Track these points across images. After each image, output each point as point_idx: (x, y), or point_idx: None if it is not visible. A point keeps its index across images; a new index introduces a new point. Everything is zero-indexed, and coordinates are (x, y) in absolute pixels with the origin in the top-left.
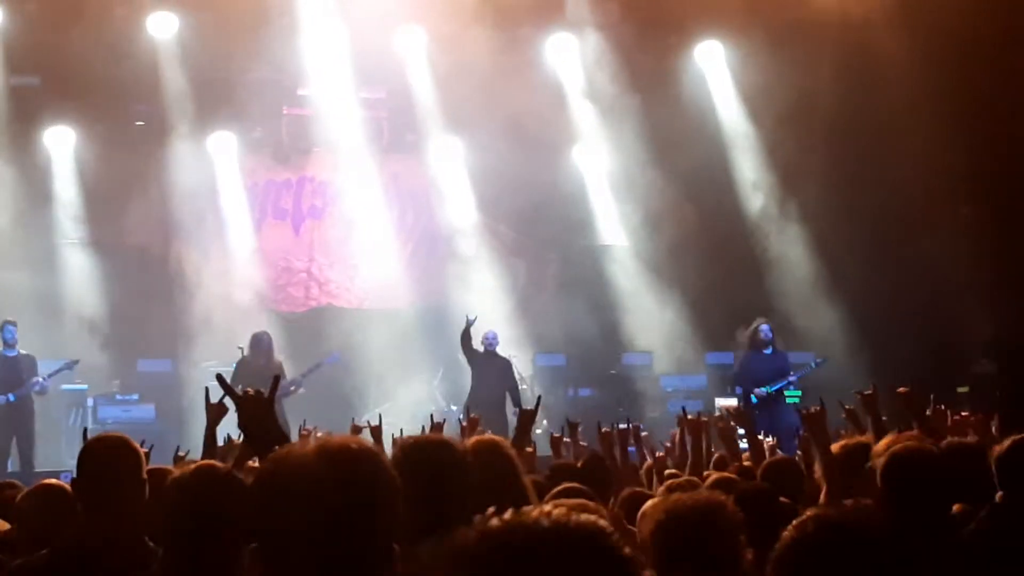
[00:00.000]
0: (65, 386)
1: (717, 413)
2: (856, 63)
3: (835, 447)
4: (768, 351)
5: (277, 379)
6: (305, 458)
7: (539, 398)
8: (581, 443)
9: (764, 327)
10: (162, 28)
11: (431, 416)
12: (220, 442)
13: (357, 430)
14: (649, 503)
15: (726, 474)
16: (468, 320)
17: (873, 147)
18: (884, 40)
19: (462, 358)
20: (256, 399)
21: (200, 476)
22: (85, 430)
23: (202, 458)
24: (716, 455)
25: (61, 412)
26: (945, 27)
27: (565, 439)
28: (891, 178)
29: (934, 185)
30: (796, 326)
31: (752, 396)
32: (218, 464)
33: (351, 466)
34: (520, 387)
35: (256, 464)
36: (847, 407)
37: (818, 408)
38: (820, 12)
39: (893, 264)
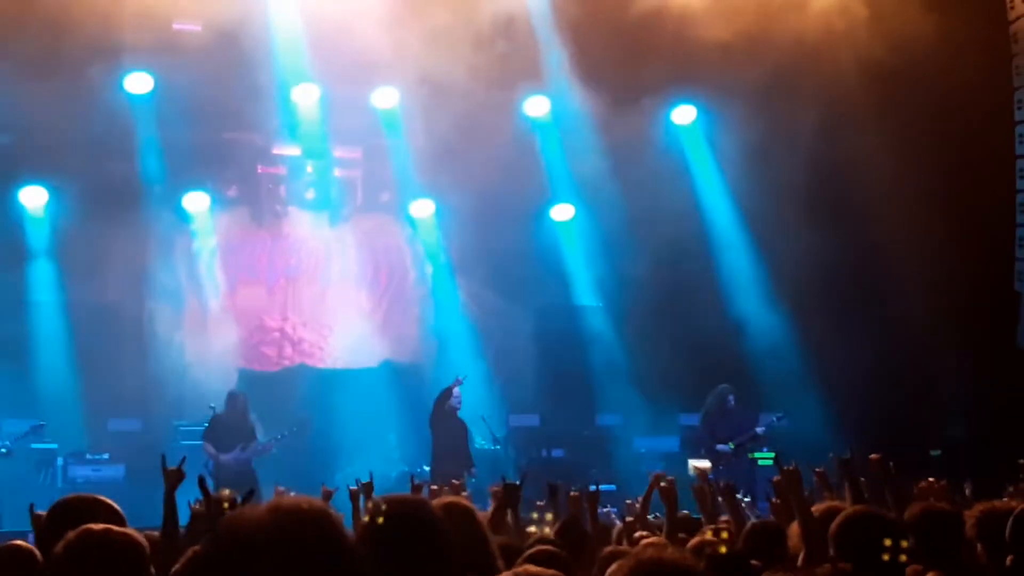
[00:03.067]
0: (35, 445)
1: (692, 472)
2: (831, 129)
3: (821, 507)
4: (730, 414)
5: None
6: (258, 521)
7: (524, 476)
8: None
9: (731, 397)
10: (138, 87)
11: (411, 477)
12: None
13: (328, 495)
14: (616, 563)
15: (706, 538)
16: (457, 379)
17: (848, 209)
18: (860, 106)
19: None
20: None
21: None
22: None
23: (163, 523)
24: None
25: (30, 471)
26: (919, 98)
27: (538, 503)
28: (866, 241)
29: (909, 249)
30: (768, 388)
31: (719, 449)
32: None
33: (302, 527)
34: (494, 447)
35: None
36: (817, 470)
37: (790, 469)
38: (795, 75)
39: (866, 327)
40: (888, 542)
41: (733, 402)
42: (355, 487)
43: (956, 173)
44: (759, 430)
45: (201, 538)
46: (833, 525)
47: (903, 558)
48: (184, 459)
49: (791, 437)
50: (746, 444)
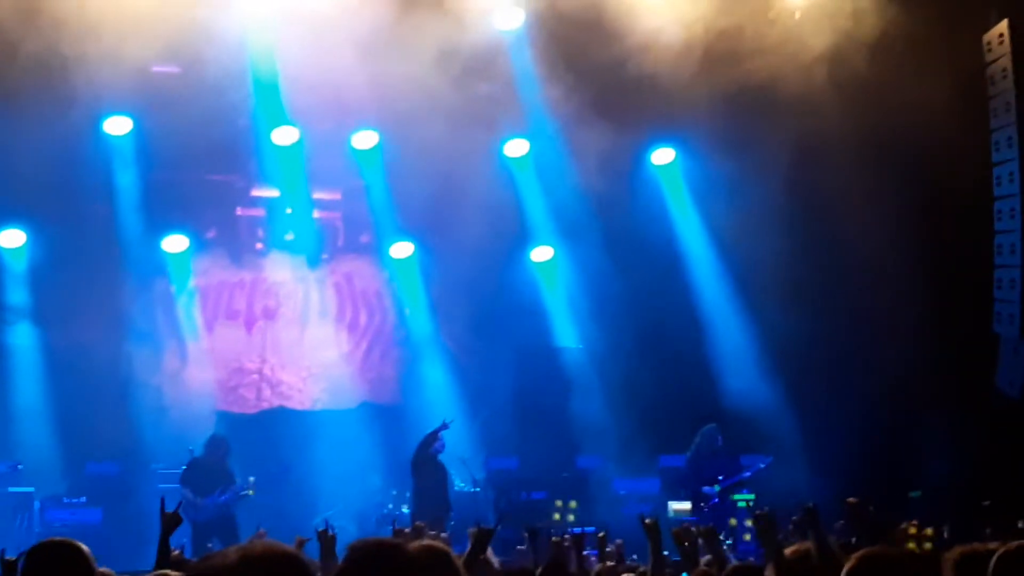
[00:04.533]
0: (11, 488)
1: (672, 514)
2: (809, 171)
3: (786, 552)
4: (718, 454)
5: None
6: (229, 567)
7: (500, 518)
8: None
9: (719, 437)
10: (117, 129)
11: (393, 522)
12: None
13: (301, 543)
14: None
15: None
16: (444, 423)
17: (830, 250)
18: (838, 150)
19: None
20: None
21: None
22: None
23: (155, 567)
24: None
25: (7, 515)
26: (897, 141)
27: (520, 547)
28: (847, 280)
29: (889, 291)
30: (749, 428)
31: (704, 491)
32: None
33: (273, 573)
34: (473, 490)
35: None
36: (794, 519)
37: (763, 513)
38: (772, 118)
39: (847, 369)
40: None
41: (721, 443)
42: (323, 529)
43: (935, 215)
44: (746, 475)
45: None
46: (849, 564)
47: None
48: (180, 503)
49: (772, 479)
50: (731, 488)
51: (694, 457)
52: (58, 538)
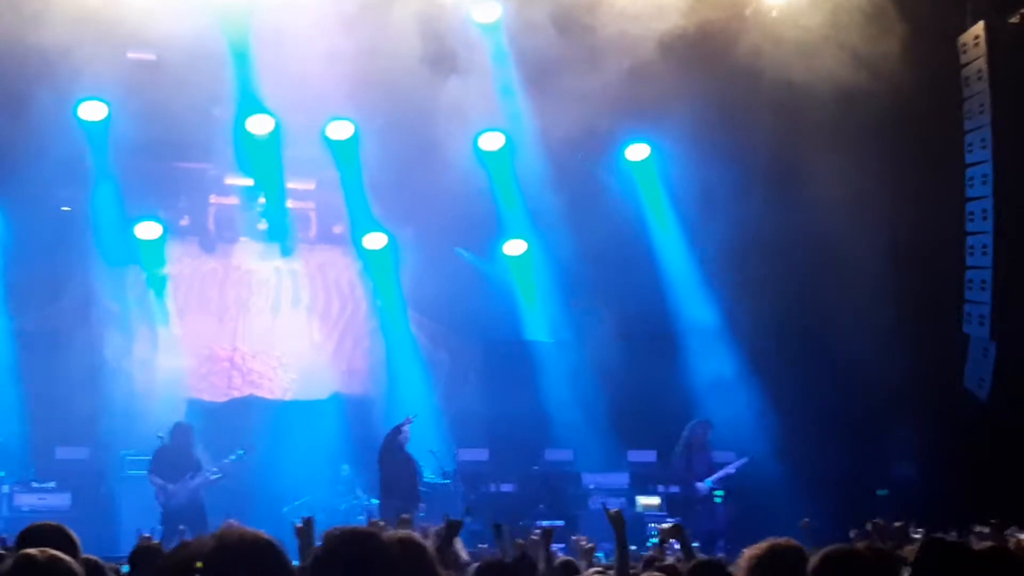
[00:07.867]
0: None
1: (640, 509)
2: (786, 167)
3: (764, 545)
4: (707, 449)
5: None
6: (203, 554)
7: (467, 509)
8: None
9: (711, 431)
10: (92, 115)
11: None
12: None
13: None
14: None
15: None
16: (408, 418)
17: (803, 250)
18: (813, 142)
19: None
20: None
21: None
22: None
23: None
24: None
25: None
26: (871, 141)
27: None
28: (820, 281)
29: (860, 290)
30: (720, 426)
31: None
32: None
33: (247, 559)
34: (443, 482)
35: None
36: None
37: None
38: (749, 114)
39: (817, 366)
40: None
41: (710, 437)
42: (300, 524)
43: (906, 216)
44: (732, 470)
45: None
46: (814, 560)
47: None
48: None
49: (743, 476)
50: (717, 483)
51: (686, 448)
52: (49, 522)
